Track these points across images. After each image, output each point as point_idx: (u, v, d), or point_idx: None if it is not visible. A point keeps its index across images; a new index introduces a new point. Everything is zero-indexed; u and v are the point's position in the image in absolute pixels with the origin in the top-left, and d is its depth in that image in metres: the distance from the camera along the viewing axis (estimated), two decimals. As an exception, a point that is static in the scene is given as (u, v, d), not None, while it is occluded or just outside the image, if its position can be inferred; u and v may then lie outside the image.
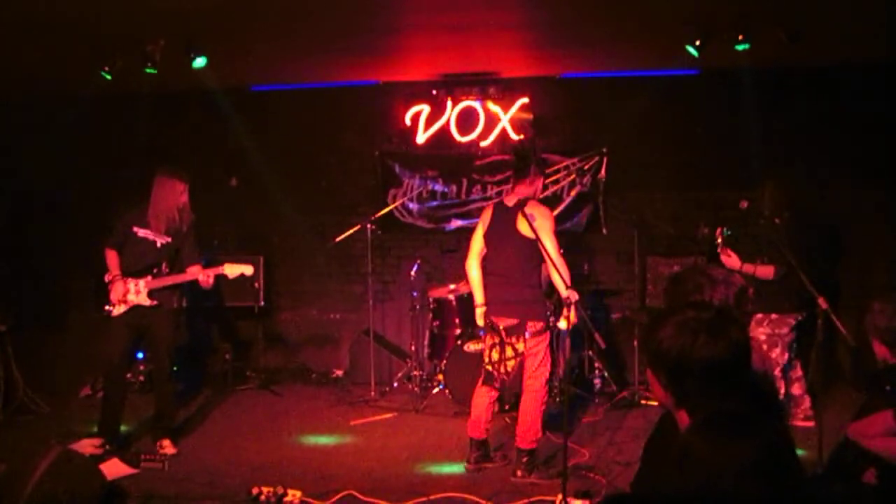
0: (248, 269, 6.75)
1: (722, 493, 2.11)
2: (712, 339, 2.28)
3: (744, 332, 2.38)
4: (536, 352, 5.94)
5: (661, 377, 2.39)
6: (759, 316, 6.55)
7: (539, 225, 5.72)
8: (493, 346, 6.05)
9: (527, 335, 5.90)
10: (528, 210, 5.78)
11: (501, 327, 5.97)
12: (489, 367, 6.07)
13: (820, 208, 6.62)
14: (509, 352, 5.95)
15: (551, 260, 5.64)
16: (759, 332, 6.45)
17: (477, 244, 6.23)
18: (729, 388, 2.31)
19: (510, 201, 6.09)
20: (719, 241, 6.73)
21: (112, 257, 6.56)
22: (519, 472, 5.91)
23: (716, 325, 2.31)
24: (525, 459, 5.93)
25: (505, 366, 5.98)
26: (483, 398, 6.11)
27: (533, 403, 5.94)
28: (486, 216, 6.22)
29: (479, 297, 6.20)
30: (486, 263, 6.22)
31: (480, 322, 6.20)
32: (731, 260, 6.58)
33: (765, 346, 6.30)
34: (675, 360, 2.32)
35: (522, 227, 5.84)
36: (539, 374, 5.97)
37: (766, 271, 6.58)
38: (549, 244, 5.70)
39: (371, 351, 8.63)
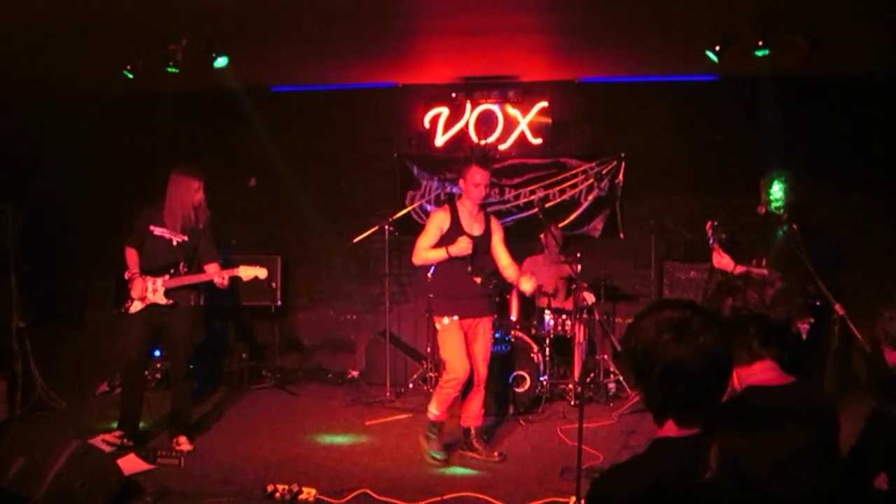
0: (261, 273, 6.75)
1: (760, 483, 2.10)
2: (675, 340, 2.17)
3: (718, 339, 2.20)
4: None
5: (630, 376, 2.34)
6: None
7: None
8: None
9: None
10: None
11: None
12: None
13: (835, 216, 6.50)
14: None
15: None
16: None
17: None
18: (691, 397, 2.19)
19: None
20: (710, 235, 6.20)
21: (131, 255, 6.61)
22: None
23: (683, 327, 2.18)
24: None
25: None
26: None
27: None
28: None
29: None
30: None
31: None
32: (722, 260, 6.17)
33: None
34: (639, 358, 2.23)
35: None
36: None
37: (759, 273, 6.18)
38: None
39: (387, 352, 8.69)
